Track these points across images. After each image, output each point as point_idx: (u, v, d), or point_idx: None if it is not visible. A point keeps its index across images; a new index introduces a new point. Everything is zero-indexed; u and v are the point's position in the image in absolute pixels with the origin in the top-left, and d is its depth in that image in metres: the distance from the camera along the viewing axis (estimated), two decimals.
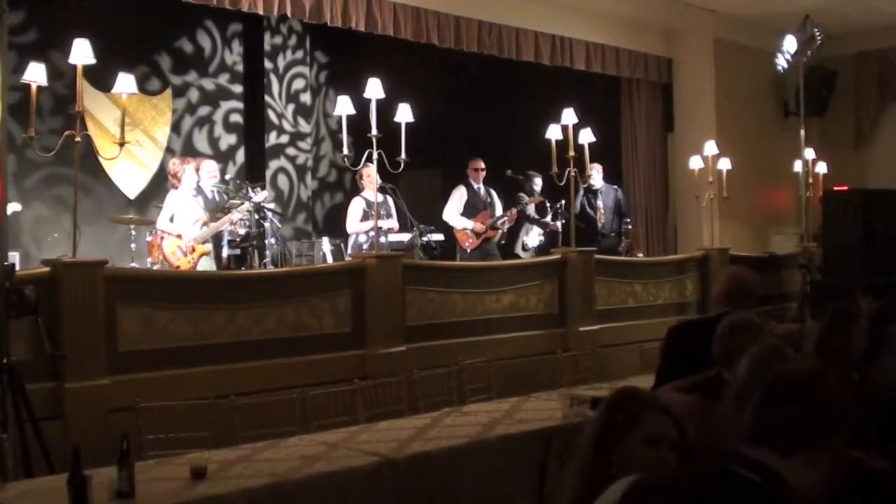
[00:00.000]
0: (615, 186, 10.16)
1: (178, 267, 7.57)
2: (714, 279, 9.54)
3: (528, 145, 9.68)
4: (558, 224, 9.43)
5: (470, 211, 9.19)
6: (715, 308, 4.29)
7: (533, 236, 9.65)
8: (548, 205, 9.48)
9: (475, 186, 9.28)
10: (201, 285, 6.08)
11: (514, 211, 9.31)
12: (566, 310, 8.08)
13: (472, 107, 11.21)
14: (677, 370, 3.73)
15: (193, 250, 7.65)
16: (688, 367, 3.59)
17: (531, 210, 9.60)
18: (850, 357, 3.81)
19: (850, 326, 3.91)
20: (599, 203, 9.78)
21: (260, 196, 8.36)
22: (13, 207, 7.91)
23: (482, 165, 9.29)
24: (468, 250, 9.14)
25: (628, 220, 10.03)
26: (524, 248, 9.63)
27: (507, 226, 9.32)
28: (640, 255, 10.15)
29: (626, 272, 8.91)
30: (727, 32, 11.16)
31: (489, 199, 9.29)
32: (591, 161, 8.78)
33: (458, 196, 9.24)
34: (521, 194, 9.58)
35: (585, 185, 9.43)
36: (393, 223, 8.52)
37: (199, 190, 8.07)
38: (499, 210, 9.27)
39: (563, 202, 9.23)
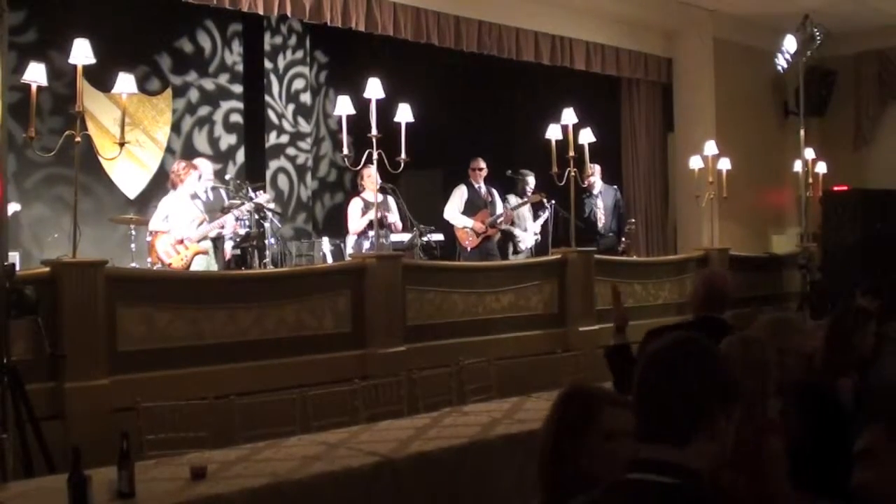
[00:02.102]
0: (614, 187, 10.16)
1: (170, 264, 7.55)
2: None
3: (528, 145, 9.69)
4: (537, 226, 9.44)
5: (470, 210, 9.19)
6: (692, 311, 4.26)
7: (528, 237, 9.61)
8: (545, 202, 9.46)
9: (476, 186, 9.28)
10: (201, 285, 6.09)
11: (510, 211, 9.31)
12: (566, 310, 8.08)
13: (472, 107, 11.21)
14: None
15: (182, 242, 7.61)
16: None
17: (522, 212, 9.56)
18: (859, 355, 3.78)
19: (865, 325, 3.88)
20: (599, 203, 9.79)
21: (262, 198, 8.36)
22: (13, 207, 7.90)
23: (482, 165, 9.30)
24: (468, 249, 9.14)
25: (632, 220, 10.04)
26: (516, 252, 9.59)
27: (504, 226, 9.32)
28: (635, 256, 10.14)
29: (626, 272, 8.91)
30: (727, 32, 11.16)
31: (490, 199, 9.30)
32: (591, 161, 8.79)
33: (459, 195, 9.25)
34: (510, 196, 9.55)
35: (586, 186, 9.44)
36: (396, 219, 8.49)
37: (195, 193, 8.05)
38: (499, 209, 9.28)
39: (553, 201, 9.27)
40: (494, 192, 9.38)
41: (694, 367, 1.77)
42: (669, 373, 1.77)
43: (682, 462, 1.71)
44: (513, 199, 9.50)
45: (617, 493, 1.75)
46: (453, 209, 9.21)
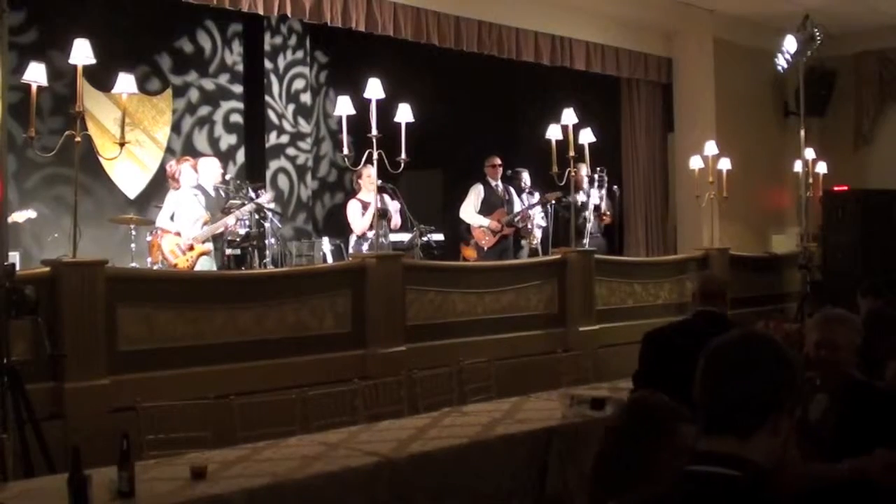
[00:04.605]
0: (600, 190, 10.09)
1: (175, 265, 7.55)
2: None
3: (528, 145, 9.68)
4: (537, 230, 9.40)
5: (486, 209, 9.16)
6: (691, 308, 4.51)
7: (538, 220, 9.54)
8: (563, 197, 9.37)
9: (493, 184, 9.24)
10: (201, 285, 6.09)
11: (528, 210, 9.29)
12: (566, 310, 8.08)
13: (472, 106, 11.21)
14: (660, 374, 3.82)
15: (191, 248, 7.64)
16: (670, 369, 3.68)
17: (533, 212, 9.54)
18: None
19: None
20: (589, 204, 9.71)
21: (264, 198, 8.36)
22: (27, 215, 7.94)
23: (499, 161, 9.27)
24: (485, 248, 9.11)
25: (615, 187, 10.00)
26: (531, 245, 9.52)
27: (520, 224, 9.30)
28: (608, 212, 9.96)
29: (626, 272, 8.92)
30: (727, 32, 11.15)
31: (507, 197, 9.27)
32: (588, 161, 8.75)
33: (475, 194, 9.21)
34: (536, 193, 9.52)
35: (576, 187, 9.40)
36: (395, 218, 8.45)
37: (201, 189, 8.06)
38: (517, 207, 9.26)
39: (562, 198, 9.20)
40: (512, 190, 9.35)
41: (762, 361, 1.78)
42: (737, 366, 1.78)
43: (743, 454, 1.72)
44: (530, 198, 9.45)
45: (679, 485, 1.76)
46: (469, 208, 9.17)
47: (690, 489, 1.73)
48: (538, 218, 9.47)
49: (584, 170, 9.29)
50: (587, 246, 9.22)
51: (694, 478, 1.74)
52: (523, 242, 9.48)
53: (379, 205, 7.51)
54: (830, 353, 3.16)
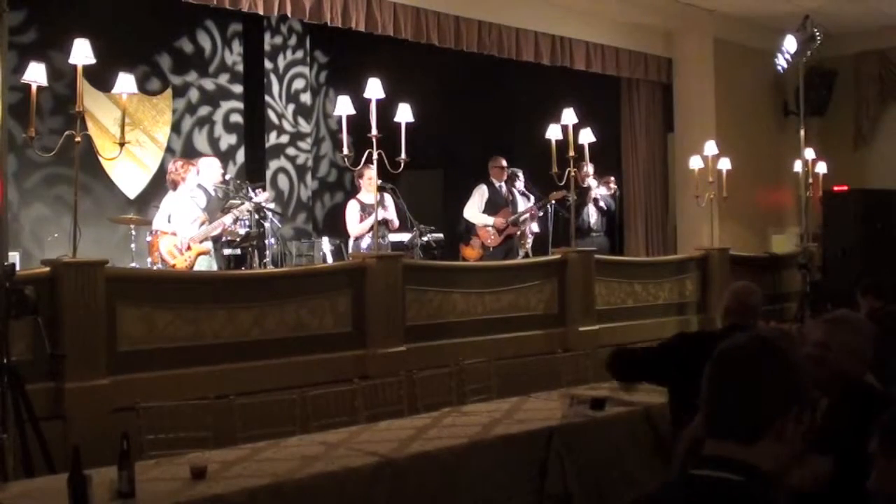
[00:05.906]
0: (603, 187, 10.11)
1: (174, 266, 7.54)
2: (714, 279, 9.58)
3: (528, 145, 9.67)
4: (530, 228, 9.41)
5: (491, 209, 9.19)
6: (721, 322, 4.40)
7: (532, 224, 9.58)
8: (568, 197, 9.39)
9: (497, 185, 9.27)
10: (201, 285, 6.08)
11: (535, 209, 9.31)
12: (566, 310, 8.07)
13: (472, 106, 11.22)
14: (681, 380, 3.82)
15: (189, 248, 7.63)
16: (689, 379, 3.65)
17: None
18: None
19: None
20: (590, 201, 9.74)
21: (261, 197, 8.35)
22: None
23: (504, 163, 9.30)
24: (491, 248, 9.13)
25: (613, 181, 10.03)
26: (523, 248, 9.56)
27: (528, 223, 9.32)
28: (614, 186, 9.98)
29: (626, 272, 8.91)
30: (727, 32, 11.16)
31: (511, 197, 9.29)
32: (583, 161, 8.76)
33: (479, 194, 9.24)
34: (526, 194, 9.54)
35: (585, 186, 9.43)
36: (393, 216, 8.45)
37: (202, 188, 8.04)
38: (521, 207, 9.27)
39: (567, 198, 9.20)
40: (515, 190, 9.37)
41: (767, 367, 1.77)
42: (742, 371, 1.77)
43: (747, 460, 1.71)
44: (525, 200, 9.46)
45: (680, 488, 1.76)
46: (473, 209, 9.20)
47: (693, 493, 1.72)
48: (532, 222, 9.51)
49: (584, 168, 9.33)
50: (593, 238, 9.26)
51: (696, 481, 1.73)
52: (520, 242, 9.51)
53: (379, 214, 7.51)
54: (820, 353, 3.22)
